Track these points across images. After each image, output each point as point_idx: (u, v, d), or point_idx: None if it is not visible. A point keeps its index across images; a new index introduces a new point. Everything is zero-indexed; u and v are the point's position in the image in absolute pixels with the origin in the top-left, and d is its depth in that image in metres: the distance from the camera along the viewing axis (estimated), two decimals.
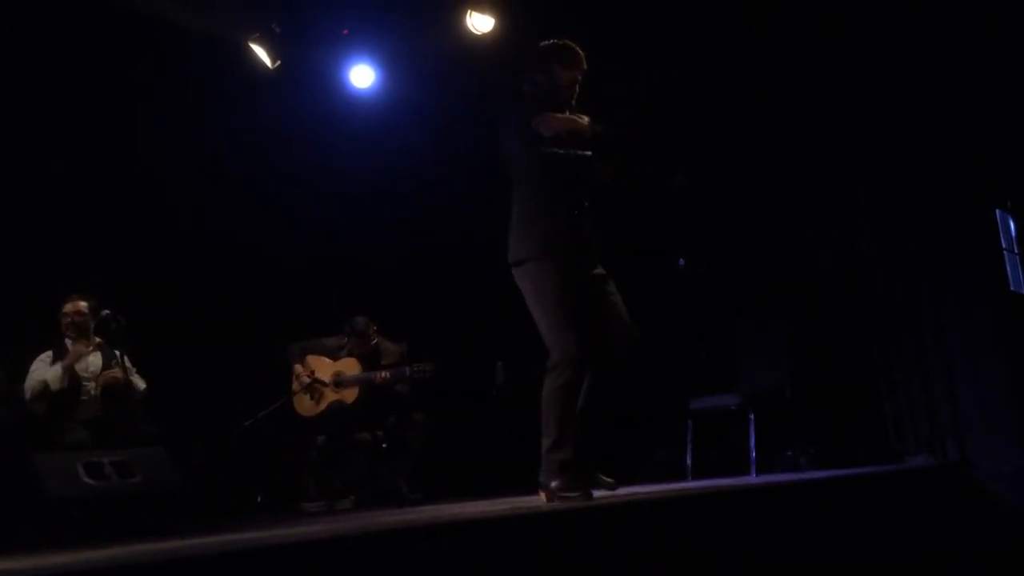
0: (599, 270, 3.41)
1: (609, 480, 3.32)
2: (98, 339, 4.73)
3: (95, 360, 4.71)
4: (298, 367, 5.41)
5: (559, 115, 3.34)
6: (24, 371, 4.60)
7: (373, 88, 6.08)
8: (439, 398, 5.68)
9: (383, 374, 5.19)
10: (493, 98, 3.52)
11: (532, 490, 4.66)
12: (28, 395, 4.49)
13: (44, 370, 4.55)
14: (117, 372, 4.60)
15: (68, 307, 4.68)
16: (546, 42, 3.49)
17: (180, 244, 5.56)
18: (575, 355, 3.20)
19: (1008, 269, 5.62)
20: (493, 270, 6.48)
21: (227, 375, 5.33)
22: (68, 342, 4.68)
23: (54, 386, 4.49)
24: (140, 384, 4.74)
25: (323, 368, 5.41)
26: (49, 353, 4.62)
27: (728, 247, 6.23)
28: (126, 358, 4.70)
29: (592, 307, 3.30)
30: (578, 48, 3.47)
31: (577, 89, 3.48)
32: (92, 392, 4.65)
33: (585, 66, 3.47)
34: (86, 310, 4.66)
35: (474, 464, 6.26)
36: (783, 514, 3.00)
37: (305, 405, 5.37)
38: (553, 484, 3.13)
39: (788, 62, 5.73)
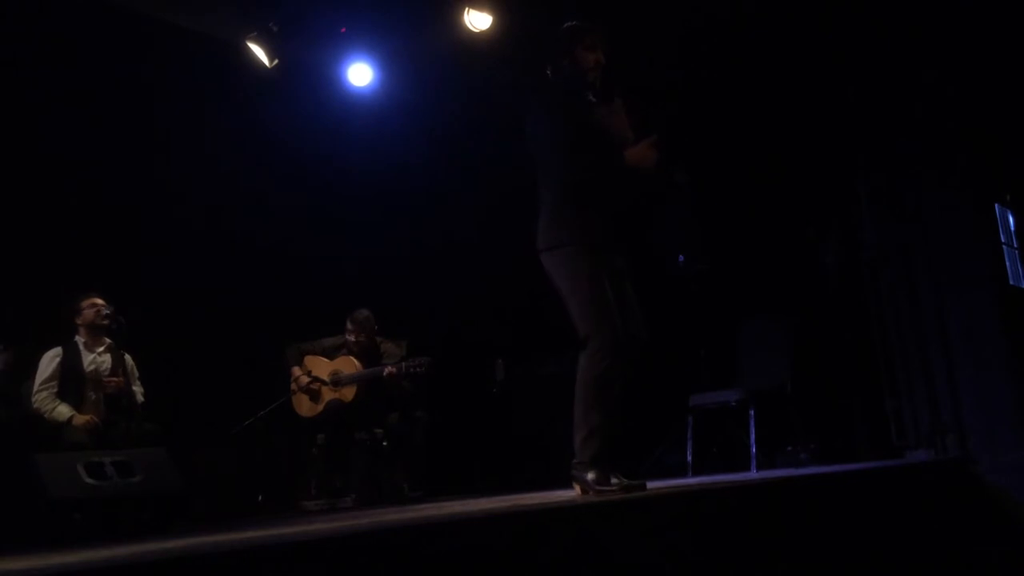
0: (622, 264, 3.32)
1: (635, 483, 3.14)
2: (109, 340, 4.72)
3: (106, 361, 4.71)
4: (296, 370, 5.41)
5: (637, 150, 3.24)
6: (26, 372, 4.60)
7: (371, 86, 6.08)
8: (439, 396, 5.68)
9: (391, 368, 5.18)
10: (518, 89, 3.41)
11: (532, 486, 4.67)
12: (34, 404, 4.48)
13: (56, 376, 4.54)
14: (119, 379, 4.59)
15: (86, 303, 4.68)
16: (567, 24, 3.40)
17: (179, 243, 5.55)
18: (615, 342, 3.10)
19: (1008, 263, 5.63)
20: (493, 267, 6.52)
21: (227, 375, 5.34)
22: (80, 340, 4.67)
23: (52, 426, 4.46)
24: (139, 395, 4.74)
25: (320, 368, 5.41)
26: (58, 350, 4.60)
27: (729, 244, 6.23)
28: (129, 360, 4.70)
29: (616, 300, 3.23)
30: (599, 28, 3.39)
31: (600, 71, 3.38)
32: (97, 394, 4.64)
33: (606, 46, 3.39)
34: (106, 308, 4.66)
35: (475, 461, 6.27)
36: (783, 510, 3.00)
37: (304, 406, 5.37)
38: (589, 477, 3.05)
39: (788, 58, 5.73)
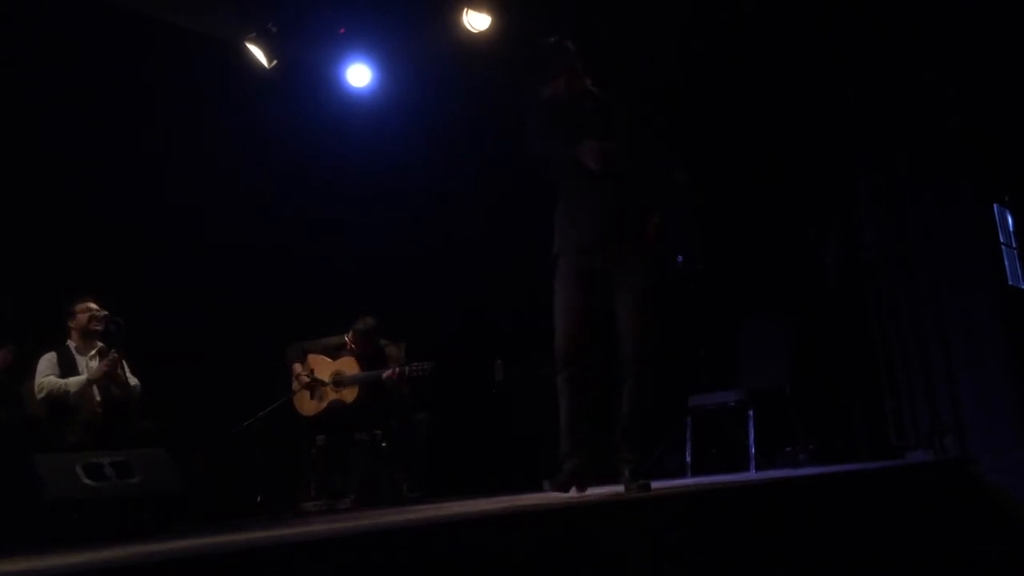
0: (628, 266, 3.27)
1: (636, 484, 3.15)
2: (100, 343, 4.72)
3: (95, 363, 4.70)
4: (297, 366, 5.41)
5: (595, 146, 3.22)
6: (25, 373, 4.59)
7: (370, 87, 6.08)
8: (438, 396, 5.68)
9: (392, 371, 5.18)
10: (515, 99, 3.46)
11: (532, 486, 4.66)
12: (43, 394, 4.46)
13: (55, 373, 4.53)
14: (108, 365, 4.57)
15: (80, 307, 4.67)
16: (549, 41, 3.42)
17: (179, 244, 5.55)
18: (561, 351, 3.24)
19: (1006, 264, 5.63)
20: (493, 267, 6.52)
21: (227, 375, 5.33)
22: (72, 345, 4.67)
23: (75, 399, 4.46)
24: (134, 382, 4.72)
25: (322, 367, 5.41)
26: (53, 354, 4.60)
27: (728, 244, 6.24)
28: (123, 361, 4.69)
29: (603, 305, 3.27)
30: (571, 46, 3.41)
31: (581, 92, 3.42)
32: (94, 394, 4.63)
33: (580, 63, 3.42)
34: (99, 313, 4.66)
35: (474, 461, 6.26)
36: (783, 510, 3.00)
37: (305, 404, 5.37)
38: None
39: (788, 58, 5.73)
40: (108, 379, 4.58)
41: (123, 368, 4.61)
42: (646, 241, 3.31)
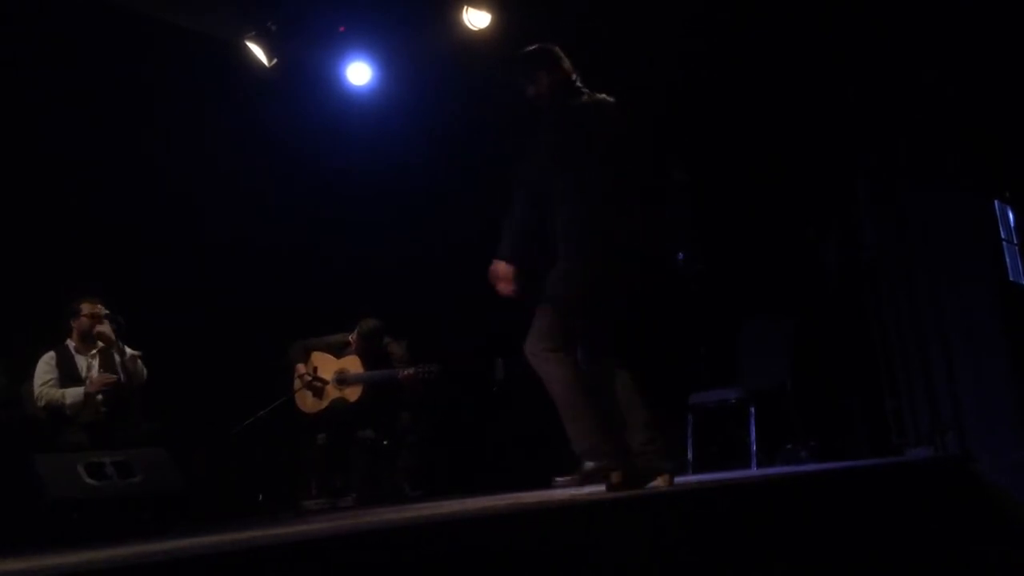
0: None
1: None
2: (100, 343, 4.72)
3: (95, 364, 4.70)
4: (300, 366, 5.42)
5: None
6: (26, 373, 4.59)
7: (370, 85, 6.08)
8: (439, 395, 5.69)
9: (409, 372, 5.18)
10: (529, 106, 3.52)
11: (532, 486, 4.66)
12: (41, 403, 4.48)
13: (54, 376, 4.53)
14: (111, 377, 4.57)
15: (86, 308, 4.67)
16: (529, 49, 3.46)
17: (179, 244, 5.55)
18: None
19: (1007, 260, 5.63)
20: (489, 266, 6.49)
21: (228, 375, 5.34)
22: (71, 344, 4.67)
23: (71, 411, 4.48)
24: (133, 353, 4.69)
25: (326, 365, 5.42)
26: (52, 354, 4.60)
27: (729, 243, 6.23)
28: (106, 331, 4.66)
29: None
30: (557, 48, 3.44)
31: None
32: (95, 396, 4.63)
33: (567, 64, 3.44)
34: (103, 312, 4.65)
35: (475, 461, 6.27)
36: (784, 507, 3.00)
37: (307, 402, 5.38)
38: None
39: (788, 58, 5.73)
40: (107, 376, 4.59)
41: (124, 364, 4.60)
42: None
